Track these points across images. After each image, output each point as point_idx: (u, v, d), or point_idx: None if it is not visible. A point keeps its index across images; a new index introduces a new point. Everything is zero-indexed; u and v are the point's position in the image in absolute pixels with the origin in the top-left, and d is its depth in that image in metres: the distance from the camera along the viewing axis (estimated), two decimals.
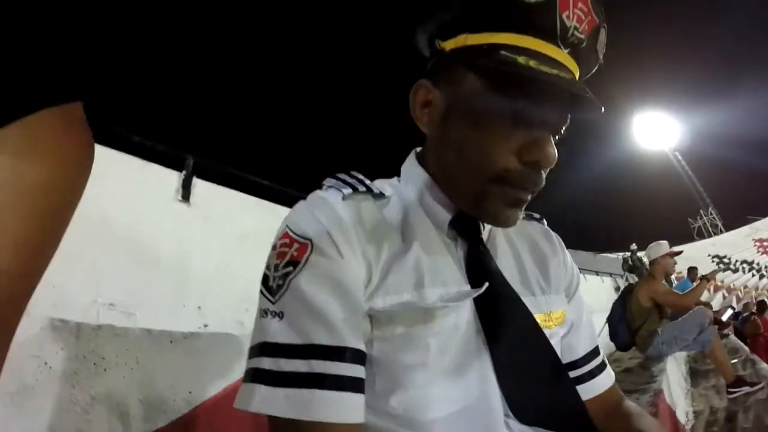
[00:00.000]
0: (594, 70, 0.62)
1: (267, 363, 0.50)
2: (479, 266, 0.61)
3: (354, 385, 0.50)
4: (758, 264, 18.47)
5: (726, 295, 13.66)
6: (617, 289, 10.12)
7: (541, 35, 0.52)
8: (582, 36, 0.54)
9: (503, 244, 0.69)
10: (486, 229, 0.65)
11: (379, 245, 0.57)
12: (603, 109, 0.56)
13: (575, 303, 0.75)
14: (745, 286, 15.21)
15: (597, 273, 9.95)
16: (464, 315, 0.57)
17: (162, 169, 2.56)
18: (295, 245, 0.54)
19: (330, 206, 0.57)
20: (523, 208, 0.61)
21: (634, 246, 10.56)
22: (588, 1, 0.53)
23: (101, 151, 2.19)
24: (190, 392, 1.58)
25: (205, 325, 2.33)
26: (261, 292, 0.55)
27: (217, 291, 2.48)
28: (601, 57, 0.60)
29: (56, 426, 1.26)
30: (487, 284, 0.57)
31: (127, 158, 2.38)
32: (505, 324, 0.58)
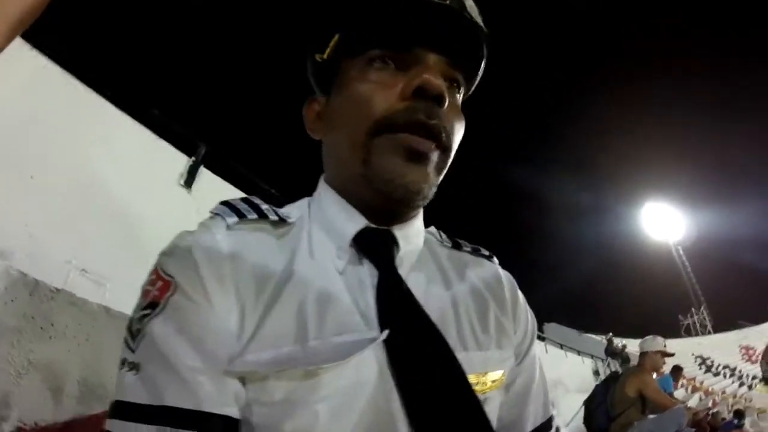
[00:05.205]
0: (483, 41, 0.53)
1: (117, 428, 0.40)
2: (392, 299, 0.49)
3: None
4: (740, 371, 18.19)
5: (703, 397, 13.43)
6: (596, 372, 10.00)
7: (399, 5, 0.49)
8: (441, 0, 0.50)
9: (435, 277, 0.57)
10: (404, 253, 0.54)
11: (261, 284, 0.46)
12: (481, 28, 0.51)
13: (527, 365, 0.61)
14: (724, 392, 14.93)
15: (579, 352, 9.85)
16: (368, 369, 0.44)
17: (172, 149, 2.53)
18: (159, 283, 0.45)
19: (209, 237, 0.48)
20: (433, 170, 0.50)
21: (610, 334, 10.56)
22: None
23: (116, 114, 2.16)
24: None
25: None
26: (125, 339, 0.45)
27: None
28: (479, 22, 0.52)
29: None
30: (387, 331, 0.45)
31: (140, 129, 2.34)
32: (426, 379, 0.45)
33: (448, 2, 0.49)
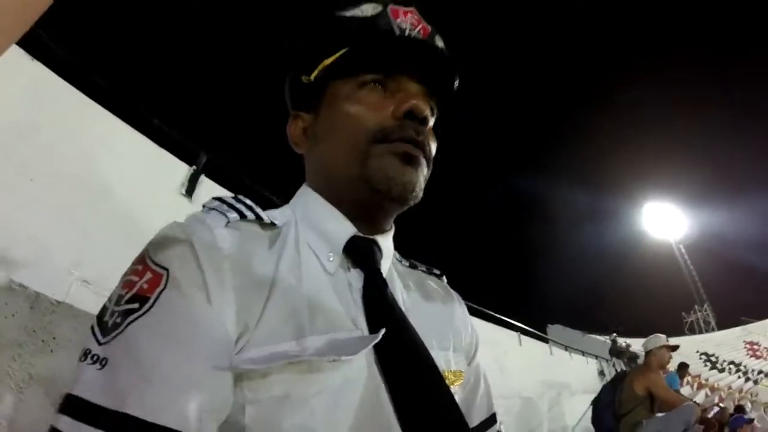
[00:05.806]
0: (456, 77, 0.62)
1: (65, 425, 0.36)
2: (379, 301, 0.53)
3: None
4: (745, 367, 18.12)
5: (709, 393, 13.38)
6: (601, 372, 9.95)
7: (383, 36, 0.59)
8: (420, 36, 0.60)
9: (401, 288, 0.63)
10: (383, 262, 0.59)
11: (257, 285, 0.46)
12: (456, 64, 0.58)
13: (475, 368, 0.69)
14: (729, 387, 14.88)
15: (583, 353, 9.80)
16: (359, 366, 0.47)
17: (173, 159, 2.52)
18: (148, 275, 0.42)
19: (208, 231, 0.47)
20: (422, 174, 0.57)
21: (614, 335, 10.56)
22: (416, 13, 0.61)
23: (116, 123, 2.15)
24: None
25: None
26: (91, 327, 0.42)
27: None
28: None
29: None
30: (384, 330, 0.47)
31: (140, 138, 2.34)
32: (410, 376, 0.48)
33: (427, 41, 0.59)
